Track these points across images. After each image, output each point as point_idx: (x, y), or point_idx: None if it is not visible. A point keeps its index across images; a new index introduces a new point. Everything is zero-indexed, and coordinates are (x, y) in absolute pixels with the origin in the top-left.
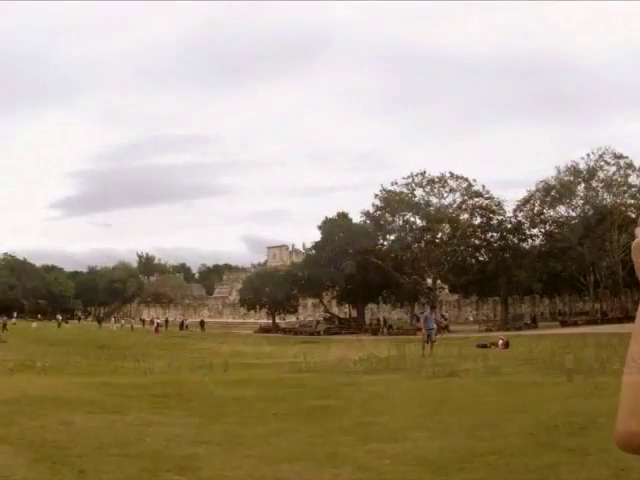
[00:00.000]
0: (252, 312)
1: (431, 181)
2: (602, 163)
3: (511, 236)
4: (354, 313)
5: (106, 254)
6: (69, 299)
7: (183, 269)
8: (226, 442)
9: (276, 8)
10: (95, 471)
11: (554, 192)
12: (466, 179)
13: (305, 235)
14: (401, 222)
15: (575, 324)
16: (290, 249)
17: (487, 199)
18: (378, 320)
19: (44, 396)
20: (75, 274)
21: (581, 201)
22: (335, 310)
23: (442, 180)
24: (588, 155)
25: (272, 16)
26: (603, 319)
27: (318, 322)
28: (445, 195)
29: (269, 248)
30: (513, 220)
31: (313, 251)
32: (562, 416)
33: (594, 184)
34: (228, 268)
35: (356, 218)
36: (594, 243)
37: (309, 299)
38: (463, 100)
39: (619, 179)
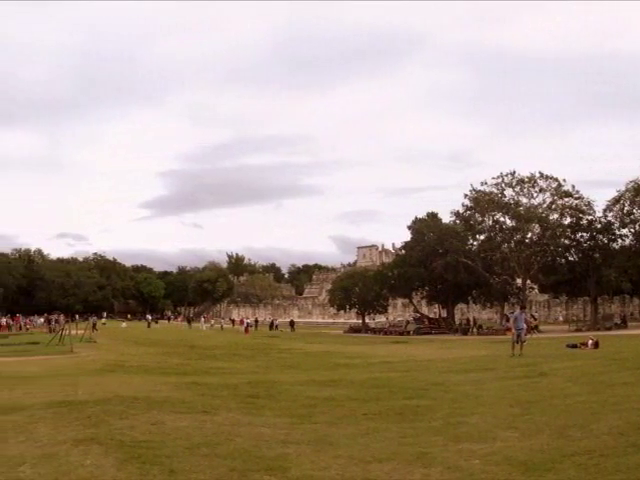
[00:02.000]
0: (342, 312)
1: (521, 181)
2: None
3: (601, 236)
4: (444, 313)
5: (196, 254)
6: (159, 299)
7: (273, 269)
8: (316, 442)
9: (364, 8)
10: (184, 471)
11: None
12: (556, 179)
13: (395, 235)
14: (491, 222)
15: None
16: (380, 249)
17: (577, 199)
18: (468, 320)
19: (134, 396)
20: (165, 274)
21: None
22: (425, 310)
23: (532, 180)
24: None
25: (361, 16)
26: None
27: (408, 322)
28: (535, 195)
29: (359, 248)
30: (603, 220)
31: (403, 251)
32: None
33: None
34: (318, 268)
35: (446, 218)
36: None
37: (399, 299)
38: (551, 100)
39: None
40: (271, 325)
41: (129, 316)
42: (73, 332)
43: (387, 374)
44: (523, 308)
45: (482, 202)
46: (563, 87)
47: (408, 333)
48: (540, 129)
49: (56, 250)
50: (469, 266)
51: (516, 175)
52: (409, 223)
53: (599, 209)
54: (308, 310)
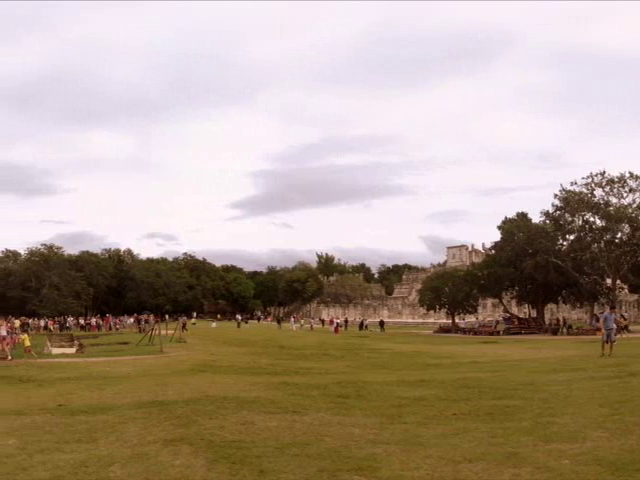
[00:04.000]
0: (431, 312)
1: (610, 181)
2: None
3: None
4: (533, 313)
5: (285, 254)
6: (249, 299)
7: (362, 269)
8: (405, 442)
9: (455, 8)
10: (274, 471)
11: None
12: None
13: (484, 235)
14: (580, 222)
15: None
16: (470, 249)
17: None
18: (557, 320)
19: (223, 396)
20: (255, 274)
21: None
22: (514, 310)
23: (622, 180)
24: None
25: (451, 16)
26: None
27: (497, 322)
28: (625, 195)
29: (449, 248)
30: None
31: (493, 251)
32: None
33: None
34: (407, 268)
35: (536, 218)
36: None
37: (488, 299)
38: None
39: None
40: (361, 325)
41: (219, 316)
42: (163, 332)
43: (477, 374)
44: (613, 308)
45: (572, 202)
46: None
47: (498, 333)
48: (630, 129)
49: (146, 250)
50: (559, 266)
51: (606, 175)
52: (499, 223)
53: None
54: (398, 310)
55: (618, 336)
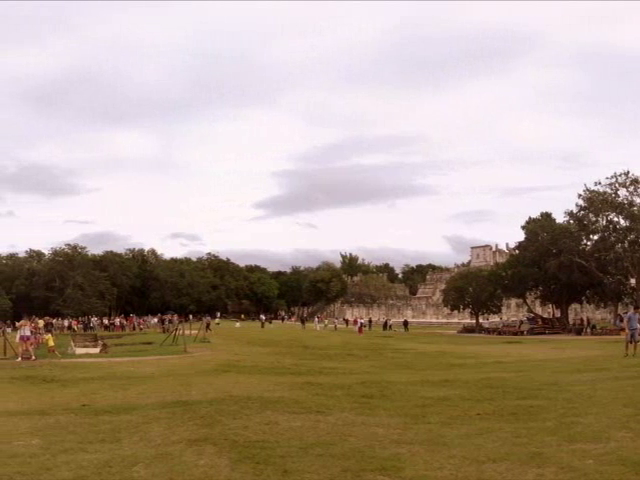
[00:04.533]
0: (455, 312)
1: (635, 181)
2: None
3: None
4: (557, 313)
5: (309, 254)
6: (272, 299)
7: (386, 269)
8: (429, 442)
9: (478, 8)
10: (298, 471)
11: None
12: None
13: (508, 235)
14: (604, 222)
15: None
16: (493, 249)
17: None
18: (581, 320)
19: (247, 396)
20: (278, 274)
21: None
22: (538, 310)
23: None
24: None
25: (475, 16)
26: None
27: (521, 322)
28: None
29: (472, 248)
30: None
31: (516, 251)
32: None
33: None
34: (431, 268)
35: (560, 218)
36: None
37: (512, 299)
38: None
39: None
40: (385, 325)
41: (243, 316)
42: (187, 332)
43: (500, 374)
44: (637, 308)
45: (596, 202)
46: None
47: (522, 333)
48: None
49: (169, 250)
50: (583, 266)
51: (630, 175)
52: (522, 223)
53: None
54: (422, 310)
55: None
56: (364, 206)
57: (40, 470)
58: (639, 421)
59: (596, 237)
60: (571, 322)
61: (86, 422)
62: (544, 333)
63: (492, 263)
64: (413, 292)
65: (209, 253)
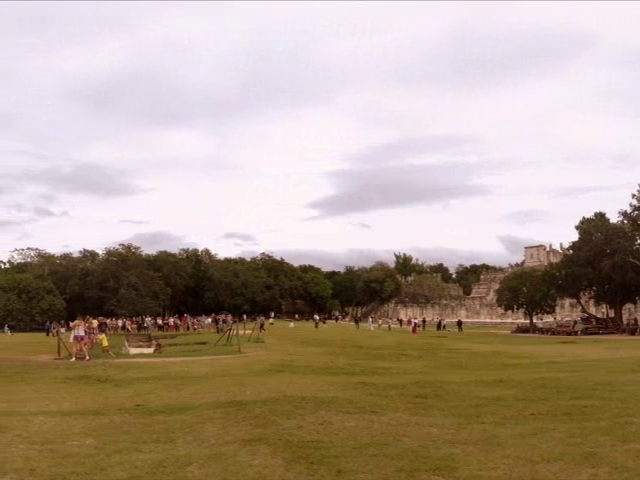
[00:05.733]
0: (509, 312)
1: None
2: None
3: None
4: (611, 313)
5: (363, 254)
6: (326, 299)
7: (440, 269)
8: (483, 442)
9: (531, 7)
10: (352, 471)
11: None
12: None
13: (562, 235)
14: None
15: None
16: (547, 249)
17: None
18: (635, 320)
19: (301, 396)
20: (332, 274)
21: None
22: (592, 310)
23: None
24: None
25: (528, 16)
26: None
27: (575, 322)
28: None
29: (526, 248)
30: None
31: (570, 251)
32: None
33: None
34: (485, 268)
35: (614, 218)
36: None
37: (566, 299)
38: None
39: None
40: (439, 325)
41: (297, 316)
42: (240, 332)
43: (554, 374)
44: None
45: None
46: None
47: (576, 333)
48: None
49: (223, 250)
50: (637, 266)
51: None
52: (576, 223)
53: None
54: (476, 310)
55: None
56: (418, 206)
57: (94, 470)
58: None
59: None
60: (625, 322)
61: (140, 422)
62: (598, 333)
63: (546, 263)
64: (467, 292)
65: (263, 253)
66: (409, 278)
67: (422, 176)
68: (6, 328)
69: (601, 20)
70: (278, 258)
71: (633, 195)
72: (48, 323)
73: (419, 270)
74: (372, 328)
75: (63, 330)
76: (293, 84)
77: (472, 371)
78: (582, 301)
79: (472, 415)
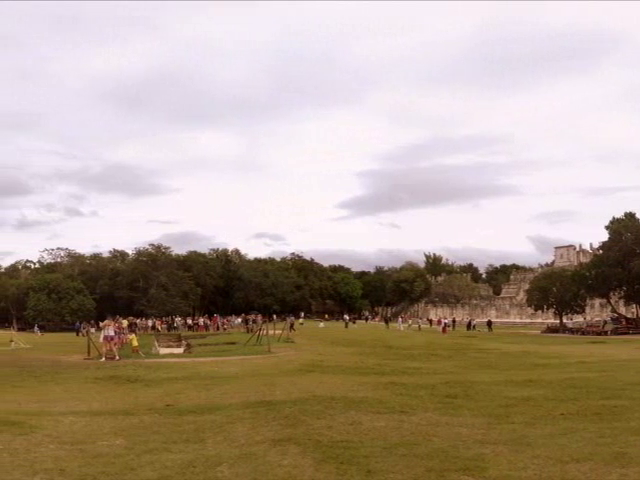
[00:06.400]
0: (539, 312)
1: None
2: None
3: None
4: None
5: (393, 254)
6: (356, 299)
7: (470, 269)
8: (513, 442)
9: (561, 7)
10: (382, 471)
11: None
12: None
13: (592, 235)
14: None
15: None
16: (577, 249)
17: None
18: None
19: (331, 396)
20: (362, 274)
21: None
22: (622, 310)
23: None
24: None
25: (558, 15)
26: None
27: (605, 322)
28: None
29: (556, 248)
30: None
31: (600, 251)
32: None
33: None
34: (515, 268)
35: None
36: None
37: (596, 299)
38: None
39: None
40: (468, 325)
41: (326, 316)
42: (270, 332)
43: (584, 374)
44: None
45: None
46: None
47: (605, 333)
48: None
49: (253, 250)
50: None
51: None
52: (606, 223)
53: None
54: (505, 310)
55: None
56: (448, 206)
57: (124, 470)
58: None
59: None
60: None
61: (170, 422)
62: (628, 333)
63: (576, 263)
64: (497, 292)
65: (293, 253)
66: (439, 278)
67: (452, 176)
68: (36, 328)
69: (631, 20)
70: (308, 258)
71: None
72: (78, 323)
73: (449, 270)
74: (402, 328)
75: (93, 330)
76: (323, 84)
77: (502, 371)
78: (612, 301)
79: (502, 415)
